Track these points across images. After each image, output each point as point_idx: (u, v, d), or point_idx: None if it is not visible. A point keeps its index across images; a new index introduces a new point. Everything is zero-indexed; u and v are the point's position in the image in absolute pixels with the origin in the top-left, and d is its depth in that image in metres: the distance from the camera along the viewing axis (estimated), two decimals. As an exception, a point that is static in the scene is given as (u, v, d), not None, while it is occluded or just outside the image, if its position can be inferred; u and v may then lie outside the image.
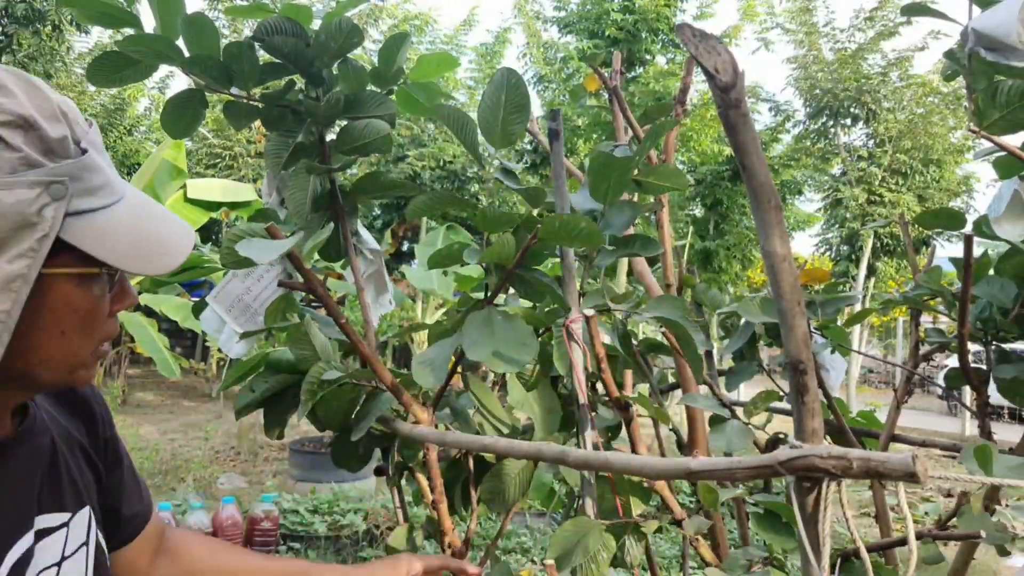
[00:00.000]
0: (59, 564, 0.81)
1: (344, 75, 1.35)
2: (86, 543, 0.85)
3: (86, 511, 0.86)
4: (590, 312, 1.05)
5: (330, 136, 1.41)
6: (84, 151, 0.71)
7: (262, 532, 4.61)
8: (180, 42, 1.27)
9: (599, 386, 1.35)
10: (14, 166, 0.66)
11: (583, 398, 1.11)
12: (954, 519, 0.96)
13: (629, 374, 1.29)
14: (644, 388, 1.39)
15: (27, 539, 0.77)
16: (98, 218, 0.71)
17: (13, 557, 0.75)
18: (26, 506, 0.78)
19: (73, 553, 0.83)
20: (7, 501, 0.76)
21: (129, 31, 1.27)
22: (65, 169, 0.68)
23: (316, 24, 1.30)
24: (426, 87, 1.47)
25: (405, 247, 13.65)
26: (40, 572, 0.78)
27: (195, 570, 1.08)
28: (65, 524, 0.82)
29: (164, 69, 1.39)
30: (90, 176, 0.71)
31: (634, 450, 1.17)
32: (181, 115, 1.38)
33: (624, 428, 1.27)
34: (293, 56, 1.28)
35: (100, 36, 14.45)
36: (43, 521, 0.80)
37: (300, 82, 1.37)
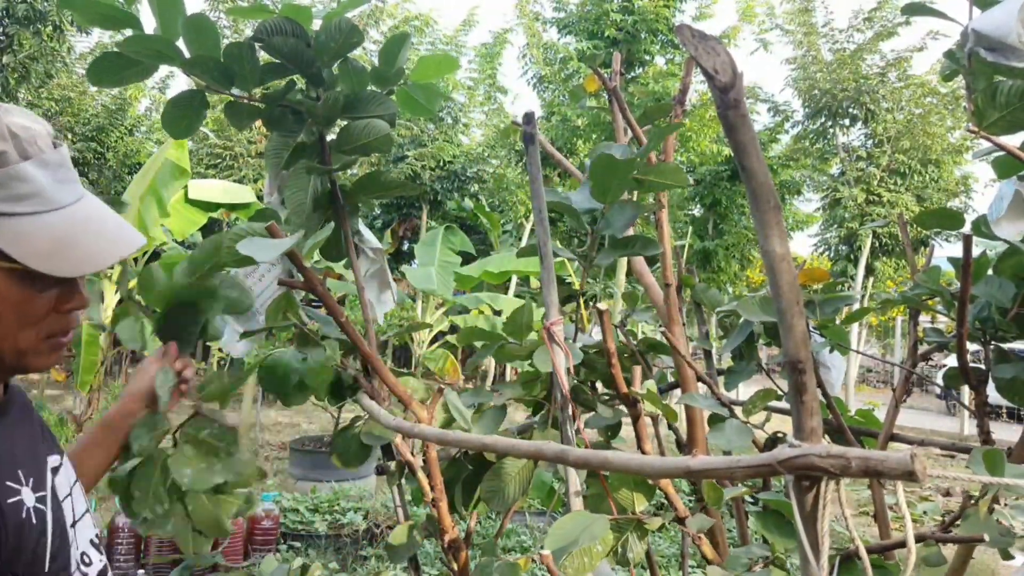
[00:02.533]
0: (70, 495, 0.95)
1: (344, 75, 1.36)
2: (76, 480, 0.99)
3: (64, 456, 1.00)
4: (603, 307, 1.06)
5: (330, 136, 1.41)
6: (16, 160, 0.81)
7: (262, 531, 4.62)
8: (181, 43, 1.27)
9: (599, 384, 1.35)
10: None
11: (567, 398, 1.12)
12: (958, 521, 0.96)
13: (638, 371, 1.30)
14: (649, 384, 1.39)
15: (49, 473, 0.91)
16: (21, 222, 0.81)
17: (57, 483, 0.92)
18: (37, 447, 0.93)
19: (72, 486, 0.96)
20: (28, 441, 0.91)
21: (129, 32, 1.27)
22: (15, 172, 0.80)
23: (316, 25, 1.30)
24: (426, 88, 1.47)
25: (405, 247, 13.66)
26: (62, 500, 0.92)
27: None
28: (61, 464, 0.96)
29: (164, 70, 1.39)
30: (17, 184, 0.80)
31: (640, 446, 1.18)
32: (182, 115, 1.38)
33: (621, 427, 1.27)
34: (294, 56, 1.28)
35: (101, 36, 14.44)
36: (51, 461, 0.93)
37: (301, 82, 1.37)
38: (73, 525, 0.93)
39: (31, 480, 0.87)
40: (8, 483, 0.84)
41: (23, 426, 0.93)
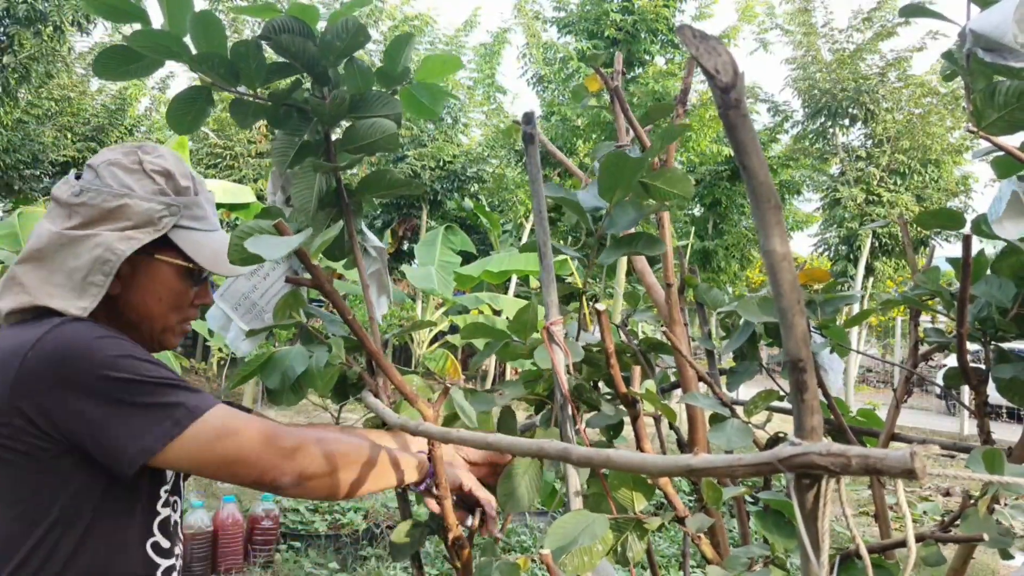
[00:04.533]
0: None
1: (350, 75, 1.36)
2: None
3: None
4: (602, 307, 1.06)
5: (335, 135, 1.42)
6: (196, 193, 1.24)
7: (262, 531, 4.62)
8: (187, 39, 1.27)
9: (601, 384, 1.35)
10: (154, 192, 1.18)
11: (567, 397, 1.13)
12: (957, 521, 0.96)
13: (637, 370, 1.30)
14: (648, 384, 1.40)
15: None
16: (195, 235, 1.22)
17: None
18: None
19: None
20: None
21: (129, 29, 1.28)
22: (183, 201, 1.20)
23: (322, 25, 1.31)
24: (430, 88, 1.47)
25: (405, 247, 13.66)
26: None
27: None
28: None
29: (164, 69, 1.40)
30: (196, 210, 1.23)
31: (639, 446, 1.18)
32: (187, 111, 1.38)
33: (623, 426, 1.27)
34: (300, 55, 1.29)
35: (101, 36, 14.44)
36: None
37: (307, 81, 1.38)
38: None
39: None
40: None
41: None
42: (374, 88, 1.39)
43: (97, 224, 1.14)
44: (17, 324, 1.12)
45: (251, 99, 1.37)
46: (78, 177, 1.19)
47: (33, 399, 1.02)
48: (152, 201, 1.17)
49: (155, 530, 1.17)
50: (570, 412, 1.14)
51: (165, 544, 1.19)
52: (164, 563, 1.18)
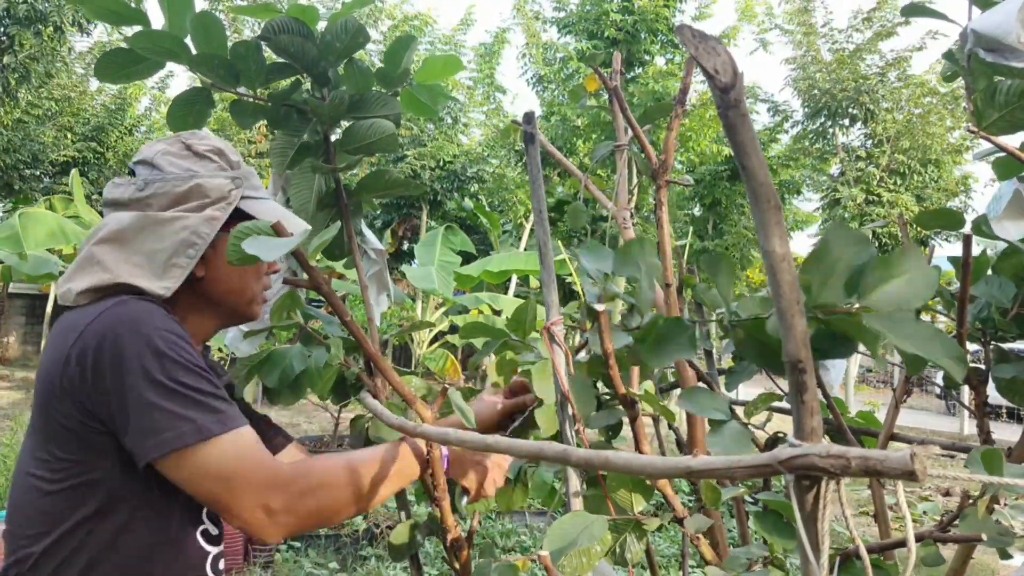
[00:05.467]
0: None
1: (350, 75, 1.36)
2: None
3: None
4: (601, 308, 1.06)
5: (335, 136, 1.42)
6: (242, 169, 1.24)
7: (262, 532, 4.61)
8: (187, 40, 1.27)
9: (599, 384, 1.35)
10: (215, 168, 1.20)
11: (568, 397, 1.12)
12: (956, 521, 0.96)
13: (636, 371, 1.30)
14: (647, 385, 1.40)
15: None
16: (259, 203, 1.24)
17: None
18: None
19: None
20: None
21: (128, 30, 1.28)
22: (241, 173, 1.22)
23: (322, 26, 1.31)
24: (431, 89, 1.47)
25: (405, 247, 13.66)
26: None
27: None
28: None
29: (164, 69, 1.39)
30: (253, 179, 1.25)
31: (638, 448, 1.18)
32: (187, 112, 1.38)
33: (622, 426, 1.27)
34: (300, 55, 1.29)
35: (100, 36, 14.44)
36: None
37: (306, 82, 1.38)
38: None
39: None
40: None
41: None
42: (374, 89, 1.39)
43: (173, 208, 1.15)
44: (89, 305, 1.09)
45: (251, 100, 1.37)
46: (131, 175, 1.20)
47: (82, 370, 1.02)
48: (219, 177, 1.19)
49: (204, 517, 1.15)
50: (570, 412, 1.13)
51: (214, 531, 1.17)
52: (214, 550, 1.17)
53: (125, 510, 1.05)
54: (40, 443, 1.07)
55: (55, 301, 12.01)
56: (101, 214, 1.27)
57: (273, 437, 1.36)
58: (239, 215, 1.19)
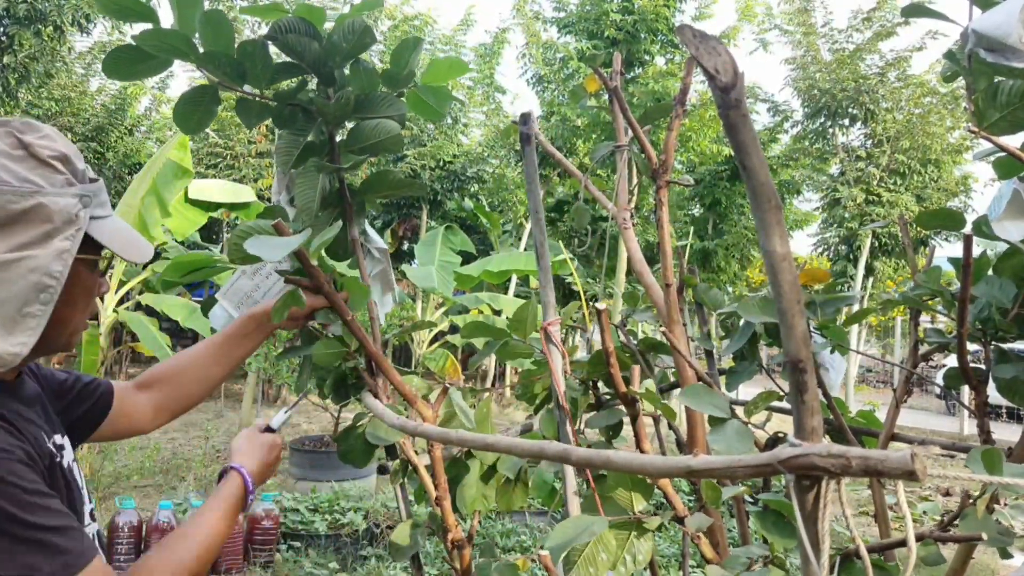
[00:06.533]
0: (73, 469, 1.10)
1: (356, 76, 1.36)
2: (75, 459, 1.14)
3: (64, 436, 1.13)
4: (602, 306, 1.06)
5: (340, 136, 1.42)
6: (94, 180, 1.04)
7: (262, 531, 4.62)
8: (195, 39, 1.27)
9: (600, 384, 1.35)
10: (62, 184, 0.99)
11: (562, 399, 1.13)
12: (957, 520, 0.96)
13: (637, 370, 1.30)
14: (648, 384, 1.40)
15: (55, 450, 1.04)
16: (106, 223, 1.05)
17: (66, 460, 1.07)
18: (44, 426, 1.06)
19: (72, 462, 1.11)
20: (36, 420, 1.04)
21: (129, 31, 1.28)
22: (89, 189, 1.02)
23: (328, 26, 1.31)
24: (436, 91, 1.47)
25: (405, 247, 13.66)
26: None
27: (171, 381, 1.39)
28: (63, 443, 1.10)
29: (170, 67, 1.39)
30: (100, 195, 1.04)
31: (639, 446, 1.18)
32: (193, 111, 1.38)
33: (622, 426, 1.27)
34: (306, 55, 1.29)
35: (100, 36, 14.44)
36: (56, 439, 1.08)
37: (312, 82, 1.38)
38: (81, 489, 1.10)
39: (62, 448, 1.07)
40: (50, 444, 1.03)
41: (33, 404, 1.09)
42: (380, 89, 1.39)
43: (6, 232, 0.94)
44: None
45: (257, 99, 1.37)
46: None
47: None
48: (66, 196, 0.98)
49: None
50: (566, 412, 1.14)
51: None
52: None
53: None
54: None
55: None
56: None
57: (95, 396, 1.29)
58: (85, 240, 1.01)
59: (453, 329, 9.75)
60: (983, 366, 1.23)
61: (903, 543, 0.94)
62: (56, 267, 0.96)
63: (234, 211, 7.97)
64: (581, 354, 1.33)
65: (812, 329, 1.31)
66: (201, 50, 1.28)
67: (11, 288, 0.94)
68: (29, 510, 0.89)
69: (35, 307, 0.96)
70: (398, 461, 1.44)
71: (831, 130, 12.44)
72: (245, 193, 7.94)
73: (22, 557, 0.88)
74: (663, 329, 1.27)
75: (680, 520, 1.12)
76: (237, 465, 1.26)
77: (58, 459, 1.04)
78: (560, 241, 10.65)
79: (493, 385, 12.59)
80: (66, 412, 1.22)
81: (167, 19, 1.29)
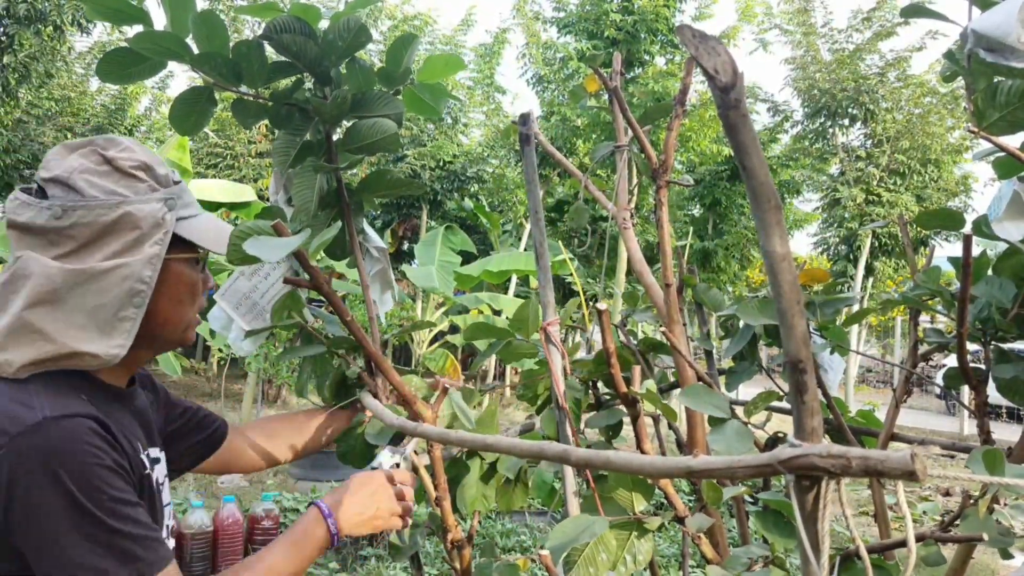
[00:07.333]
0: (163, 485, 1.16)
1: (352, 74, 1.36)
2: (168, 473, 1.22)
3: (162, 452, 1.21)
4: (603, 306, 1.06)
5: (337, 135, 1.42)
6: (177, 182, 1.13)
7: (263, 531, 4.61)
8: (189, 40, 1.27)
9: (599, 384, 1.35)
10: (146, 191, 1.07)
11: (561, 399, 1.13)
12: (957, 521, 0.96)
13: (637, 370, 1.30)
14: (649, 384, 1.40)
15: (149, 463, 1.10)
16: (194, 222, 1.13)
17: (157, 474, 1.12)
18: (143, 438, 1.12)
19: (165, 478, 1.18)
20: (137, 432, 1.11)
21: (129, 30, 1.28)
22: (172, 192, 1.10)
23: (324, 25, 1.31)
24: (433, 88, 1.47)
25: (405, 247, 13.66)
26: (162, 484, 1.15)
27: (260, 443, 1.47)
28: (159, 458, 1.17)
29: (165, 68, 1.39)
30: (185, 196, 1.13)
31: (639, 447, 1.18)
32: (189, 112, 1.38)
33: (622, 426, 1.27)
34: (302, 55, 1.29)
35: (100, 36, 14.44)
36: (152, 452, 1.14)
37: (308, 81, 1.38)
38: (165, 506, 1.16)
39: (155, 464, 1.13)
40: (143, 456, 1.08)
41: (138, 415, 1.16)
42: (376, 88, 1.39)
43: (100, 243, 1.03)
44: (17, 383, 1.00)
45: (253, 99, 1.37)
46: (36, 195, 1.05)
47: None
48: (150, 202, 1.07)
49: None
50: (566, 412, 1.13)
51: None
52: None
53: None
54: None
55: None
56: None
57: (208, 428, 1.39)
58: (175, 240, 1.10)
59: (453, 329, 9.76)
60: (983, 366, 1.23)
61: (903, 543, 0.94)
62: (147, 272, 1.05)
63: (234, 211, 7.97)
64: (581, 354, 1.33)
65: (812, 330, 1.31)
66: (196, 51, 1.27)
67: (107, 295, 1.02)
68: (110, 515, 0.94)
69: (129, 311, 1.04)
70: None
71: (831, 130, 12.44)
72: (246, 193, 7.94)
73: (98, 560, 0.92)
74: (663, 329, 1.27)
75: (680, 520, 1.12)
76: (320, 502, 1.20)
77: (147, 471, 1.08)
78: (560, 241, 10.65)
79: (494, 382, 12.60)
80: (177, 436, 1.33)
81: (161, 22, 1.29)
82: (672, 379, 1.56)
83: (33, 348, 1.00)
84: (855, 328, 10.66)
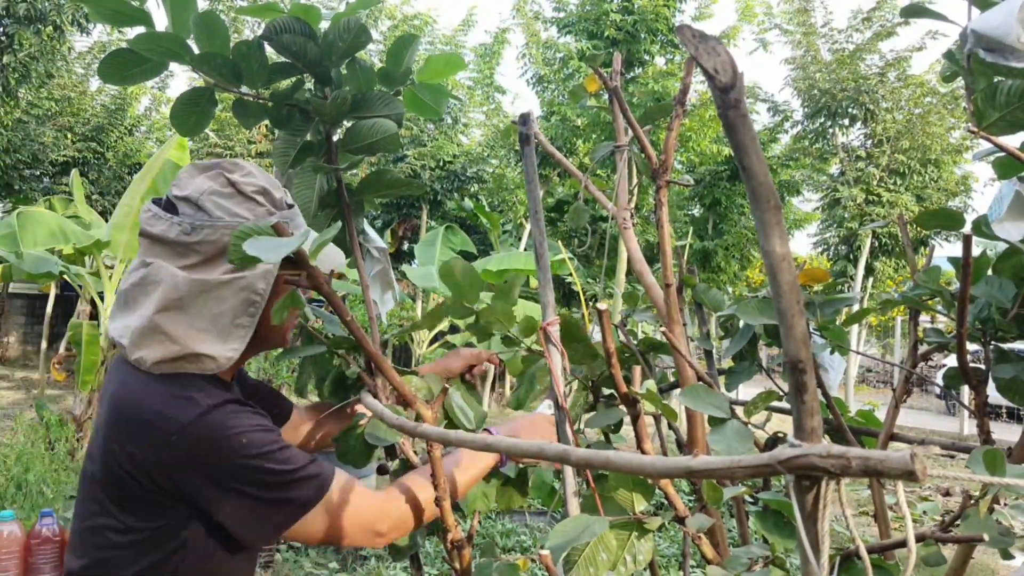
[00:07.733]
0: None
1: (352, 75, 1.36)
2: None
3: None
4: (603, 306, 1.06)
5: (337, 136, 1.42)
6: (291, 206, 1.25)
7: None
8: (190, 41, 1.27)
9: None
10: (264, 214, 1.19)
11: (561, 399, 1.13)
12: (958, 521, 0.96)
13: (638, 370, 1.30)
14: (649, 384, 1.40)
15: None
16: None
17: None
18: None
19: None
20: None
21: (130, 31, 1.28)
22: (286, 215, 1.22)
23: (324, 25, 1.30)
24: (433, 88, 1.47)
25: (405, 247, 13.66)
26: None
27: (308, 427, 1.56)
28: None
29: (166, 69, 1.39)
30: (295, 219, 1.25)
31: (640, 446, 1.18)
32: (190, 113, 1.38)
33: (623, 426, 1.27)
34: (302, 55, 1.29)
35: (100, 36, 14.45)
36: None
37: (308, 82, 1.38)
38: None
39: None
40: None
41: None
42: (376, 88, 1.39)
43: (223, 258, 1.16)
44: (164, 378, 1.15)
45: (253, 100, 1.37)
46: (168, 209, 1.19)
47: (172, 478, 1.11)
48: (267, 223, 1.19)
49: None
50: (566, 412, 1.13)
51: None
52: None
53: (192, 552, 1.16)
54: (108, 500, 1.15)
55: (54, 300, 12.01)
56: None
57: (280, 407, 1.51)
58: (285, 258, 1.20)
59: (453, 329, 9.75)
60: (983, 366, 1.23)
61: (903, 543, 0.94)
62: (261, 285, 1.17)
63: (234, 211, 7.95)
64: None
65: (812, 329, 1.31)
66: (196, 52, 1.27)
67: (226, 304, 1.15)
68: (285, 461, 1.12)
69: (244, 319, 1.17)
70: (397, 461, 1.44)
71: (831, 130, 12.44)
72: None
73: (295, 492, 1.12)
74: (663, 329, 1.27)
75: (681, 520, 1.12)
76: (493, 428, 1.32)
77: None
78: (560, 241, 10.65)
79: (493, 386, 12.60)
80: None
81: (162, 23, 1.29)
82: (672, 379, 1.56)
83: (162, 348, 1.14)
84: (855, 328, 10.67)
